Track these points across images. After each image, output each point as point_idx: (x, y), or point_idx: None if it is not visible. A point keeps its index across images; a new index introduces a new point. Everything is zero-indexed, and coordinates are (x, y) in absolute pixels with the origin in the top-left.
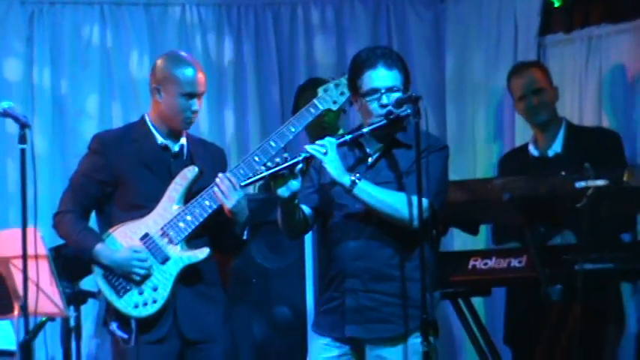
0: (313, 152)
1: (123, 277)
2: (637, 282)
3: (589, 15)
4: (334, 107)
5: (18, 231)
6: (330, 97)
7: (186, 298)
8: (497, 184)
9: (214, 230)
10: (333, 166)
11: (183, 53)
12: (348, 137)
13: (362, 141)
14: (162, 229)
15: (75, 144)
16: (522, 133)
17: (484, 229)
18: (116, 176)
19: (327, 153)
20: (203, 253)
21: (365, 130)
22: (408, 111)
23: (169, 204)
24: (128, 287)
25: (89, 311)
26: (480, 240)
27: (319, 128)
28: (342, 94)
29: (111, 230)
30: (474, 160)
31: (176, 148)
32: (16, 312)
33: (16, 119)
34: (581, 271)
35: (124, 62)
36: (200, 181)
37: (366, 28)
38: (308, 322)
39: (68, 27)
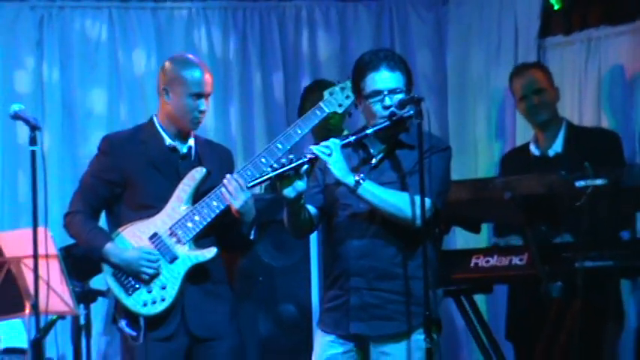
0: (318, 153)
1: (132, 275)
2: (636, 279)
3: (588, 17)
4: (340, 110)
5: (29, 231)
6: (335, 100)
7: (193, 296)
8: (499, 184)
9: (222, 230)
10: (338, 166)
11: (190, 55)
12: (352, 138)
13: (366, 142)
14: (170, 228)
15: (84, 145)
16: (523, 132)
17: (485, 228)
18: (125, 177)
19: (332, 154)
20: (211, 252)
21: (368, 131)
22: (411, 112)
23: (178, 204)
24: (137, 286)
25: (99, 309)
26: (482, 238)
27: (324, 130)
28: (347, 97)
29: (120, 230)
30: (476, 159)
31: (184, 150)
32: (27, 310)
33: (26, 121)
34: (581, 269)
35: (132, 64)
36: (208, 182)
37: (369, 30)
38: (313, 320)
39: (77, 30)
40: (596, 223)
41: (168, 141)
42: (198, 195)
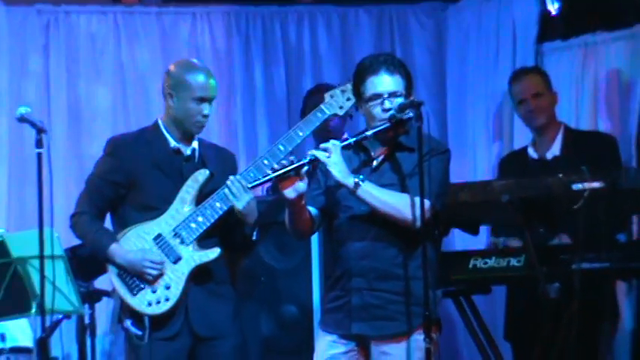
0: (318, 155)
1: (136, 276)
2: (632, 281)
3: (585, 23)
4: (340, 112)
5: (35, 232)
6: (336, 103)
7: (197, 296)
8: (497, 186)
9: (225, 231)
10: (338, 168)
11: (194, 60)
12: (352, 140)
13: (366, 145)
14: (174, 229)
15: (90, 147)
16: (521, 136)
17: (484, 230)
18: (130, 178)
19: (332, 156)
20: (214, 252)
21: (368, 132)
22: (411, 115)
23: (181, 205)
24: (142, 286)
25: (103, 309)
26: (481, 240)
27: (325, 132)
28: (348, 99)
29: (125, 231)
30: (474, 162)
31: (188, 152)
32: (33, 310)
33: (32, 124)
34: (578, 270)
35: (137, 68)
36: (211, 184)
37: (370, 36)
38: (314, 320)
39: (83, 35)
40: (593, 225)
41: (172, 143)
42: (202, 196)
